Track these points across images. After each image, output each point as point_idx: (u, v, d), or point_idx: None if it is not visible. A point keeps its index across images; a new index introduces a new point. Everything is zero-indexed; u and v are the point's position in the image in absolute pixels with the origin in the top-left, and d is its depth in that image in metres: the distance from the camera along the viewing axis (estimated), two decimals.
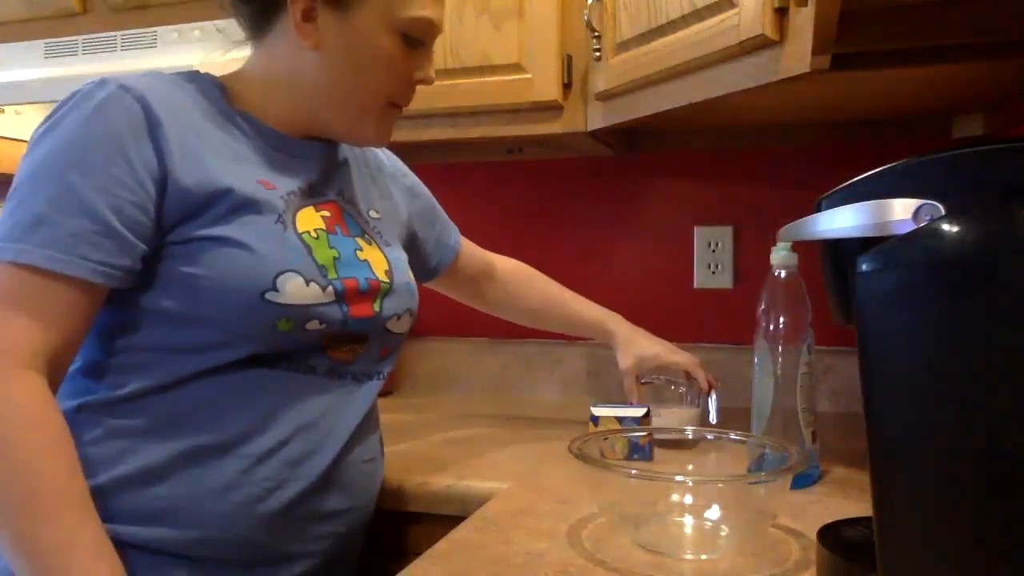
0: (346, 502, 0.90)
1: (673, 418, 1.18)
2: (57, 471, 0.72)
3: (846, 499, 0.93)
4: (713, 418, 1.21)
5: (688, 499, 0.81)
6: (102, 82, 0.80)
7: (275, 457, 0.83)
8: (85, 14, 1.55)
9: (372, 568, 1.05)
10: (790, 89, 0.97)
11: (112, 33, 1.51)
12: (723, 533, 0.79)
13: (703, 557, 0.77)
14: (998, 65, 0.98)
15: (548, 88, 1.28)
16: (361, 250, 0.92)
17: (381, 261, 0.94)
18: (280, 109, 0.90)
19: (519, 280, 1.32)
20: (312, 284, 0.83)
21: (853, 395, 1.45)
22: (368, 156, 1.07)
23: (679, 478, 0.82)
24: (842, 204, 0.57)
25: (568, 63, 1.29)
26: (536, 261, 1.66)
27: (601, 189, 1.62)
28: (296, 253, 0.83)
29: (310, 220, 0.88)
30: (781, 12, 0.89)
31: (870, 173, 0.57)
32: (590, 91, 1.28)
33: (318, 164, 0.93)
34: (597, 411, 1.14)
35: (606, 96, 1.24)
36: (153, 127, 0.79)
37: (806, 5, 0.84)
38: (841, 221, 0.57)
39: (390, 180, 1.10)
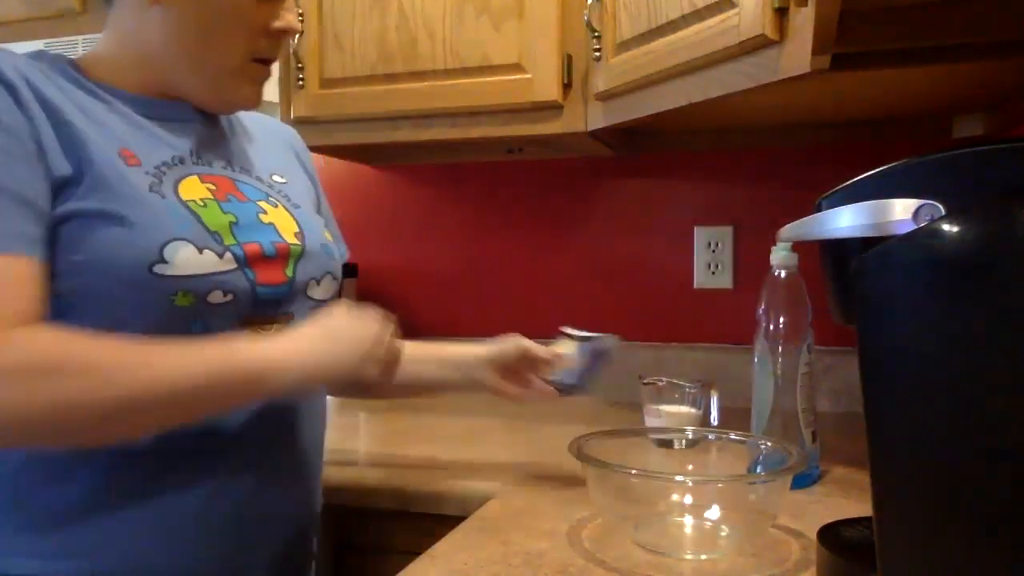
0: (293, 503, 0.86)
1: (673, 418, 1.18)
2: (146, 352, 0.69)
3: (846, 499, 0.93)
4: (713, 418, 1.21)
5: (688, 499, 0.81)
6: None
7: (222, 463, 0.78)
8: (85, 14, 1.55)
9: (372, 568, 1.05)
10: (790, 89, 0.97)
11: None
12: (723, 533, 0.79)
13: (703, 557, 0.77)
14: (998, 65, 0.98)
15: (548, 88, 1.28)
16: (264, 213, 0.84)
17: (289, 223, 0.86)
18: (135, 79, 0.82)
19: None
20: (206, 251, 0.75)
21: (853, 395, 1.45)
22: (269, 126, 1.01)
23: (679, 478, 0.82)
24: (842, 204, 0.57)
25: (568, 63, 1.29)
26: (536, 261, 1.66)
27: (601, 189, 1.62)
28: (181, 219, 0.76)
29: (194, 190, 0.80)
30: (781, 12, 0.89)
31: (870, 173, 0.57)
32: (590, 91, 1.28)
33: (195, 131, 0.86)
34: (567, 329, 1.06)
35: (606, 96, 1.24)
36: (11, 89, 0.72)
37: (806, 5, 0.84)
38: (841, 221, 0.57)
39: (297, 155, 1.03)
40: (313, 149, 1.53)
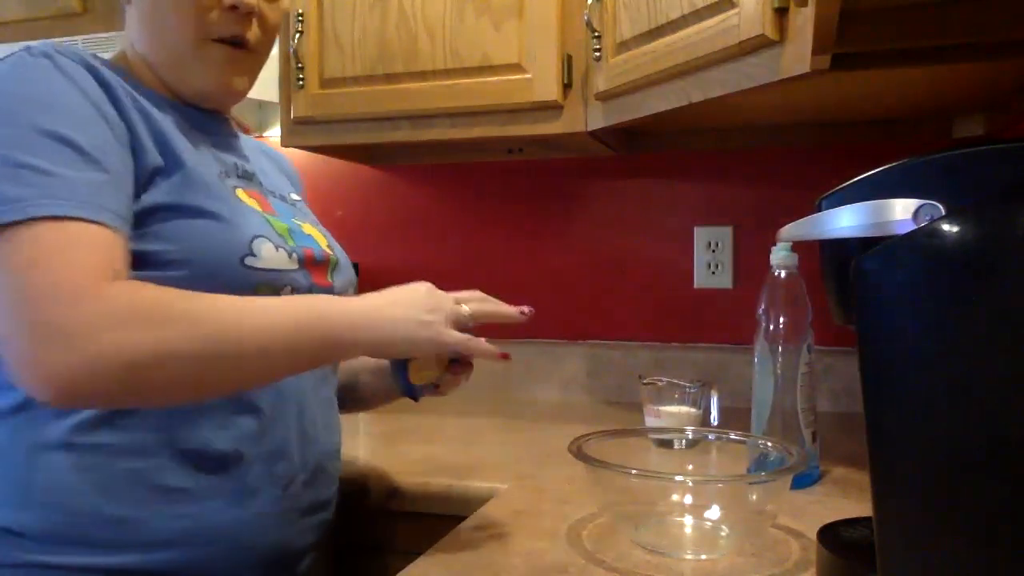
0: (329, 486, 0.90)
1: (673, 418, 1.18)
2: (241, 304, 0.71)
3: (846, 499, 0.93)
4: (713, 418, 1.21)
5: (688, 499, 0.81)
6: (27, 49, 0.75)
7: (283, 455, 0.81)
8: (85, 14, 1.55)
9: (372, 568, 1.05)
10: (790, 89, 0.97)
11: (112, 33, 1.51)
12: (723, 533, 0.79)
13: (703, 557, 0.77)
14: (998, 65, 0.98)
15: (548, 88, 1.28)
16: (301, 227, 0.91)
17: (320, 236, 0.93)
18: (153, 83, 0.86)
19: None
20: (280, 250, 0.81)
21: (853, 395, 1.45)
22: (269, 150, 1.08)
23: (679, 478, 0.82)
24: (842, 204, 0.57)
25: (568, 63, 1.29)
26: (536, 261, 1.66)
27: (601, 189, 1.62)
28: (260, 220, 0.82)
29: (248, 202, 0.85)
30: (781, 12, 0.89)
31: (870, 173, 0.57)
32: (590, 91, 1.28)
33: (233, 146, 0.92)
34: None
35: (606, 96, 1.24)
36: (105, 86, 0.76)
37: (806, 5, 0.84)
38: (841, 221, 0.57)
39: (295, 183, 1.10)
40: (313, 149, 1.54)
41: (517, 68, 1.30)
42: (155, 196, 0.76)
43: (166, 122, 0.80)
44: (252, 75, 0.91)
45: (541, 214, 1.66)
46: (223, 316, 0.69)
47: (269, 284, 0.79)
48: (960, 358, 0.50)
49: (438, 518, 0.99)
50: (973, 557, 0.50)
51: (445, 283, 1.60)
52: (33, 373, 0.64)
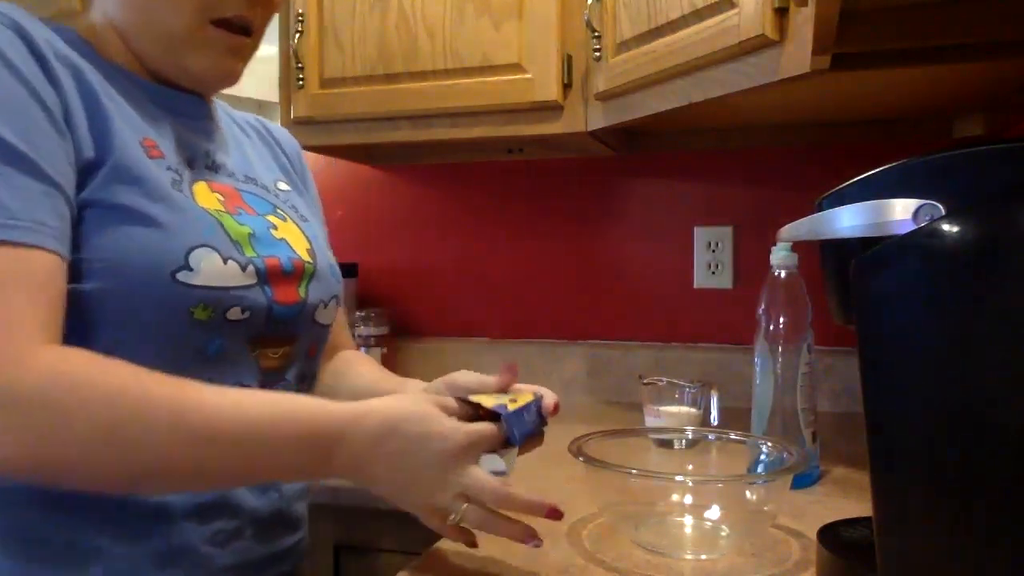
0: (291, 537, 0.80)
1: (673, 418, 1.18)
2: (198, 399, 0.60)
3: (846, 499, 0.93)
4: (713, 418, 1.21)
5: (688, 499, 0.81)
6: None
7: (218, 507, 0.70)
8: (86, 13, 1.55)
9: (372, 568, 1.05)
10: (790, 89, 0.97)
11: None
12: (723, 533, 0.79)
13: (703, 557, 0.77)
14: (998, 65, 0.98)
15: (548, 88, 1.28)
16: (275, 228, 0.77)
17: (300, 238, 0.80)
18: (123, 56, 0.74)
19: (344, 362, 0.97)
20: (231, 262, 0.68)
21: (853, 395, 1.45)
22: (268, 128, 0.95)
23: (679, 478, 0.82)
24: (842, 204, 0.57)
25: (568, 63, 1.29)
26: (535, 261, 1.66)
27: (601, 189, 1.62)
28: (207, 224, 0.68)
29: (206, 198, 0.72)
30: (781, 12, 0.89)
31: (870, 173, 0.57)
32: (590, 91, 1.28)
33: (205, 130, 0.79)
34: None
35: (606, 96, 1.24)
36: (42, 60, 0.64)
37: (806, 5, 0.84)
38: (841, 221, 0.57)
39: (295, 163, 0.96)
40: (313, 149, 1.54)
41: (517, 68, 1.30)
42: (83, 191, 0.64)
43: (115, 103, 0.69)
44: (249, 60, 0.79)
45: (541, 214, 1.66)
46: (170, 447, 0.57)
47: (209, 304, 0.66)
48: (960, 358, 0.50)
49: None
50: (973, 557, 0.50)
51: (445, 283, 1.60)
52: None
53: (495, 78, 1.30)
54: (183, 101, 0.77)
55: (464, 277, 1.70)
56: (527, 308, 1.68)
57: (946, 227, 0.50)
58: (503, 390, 0.75)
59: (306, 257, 0.78)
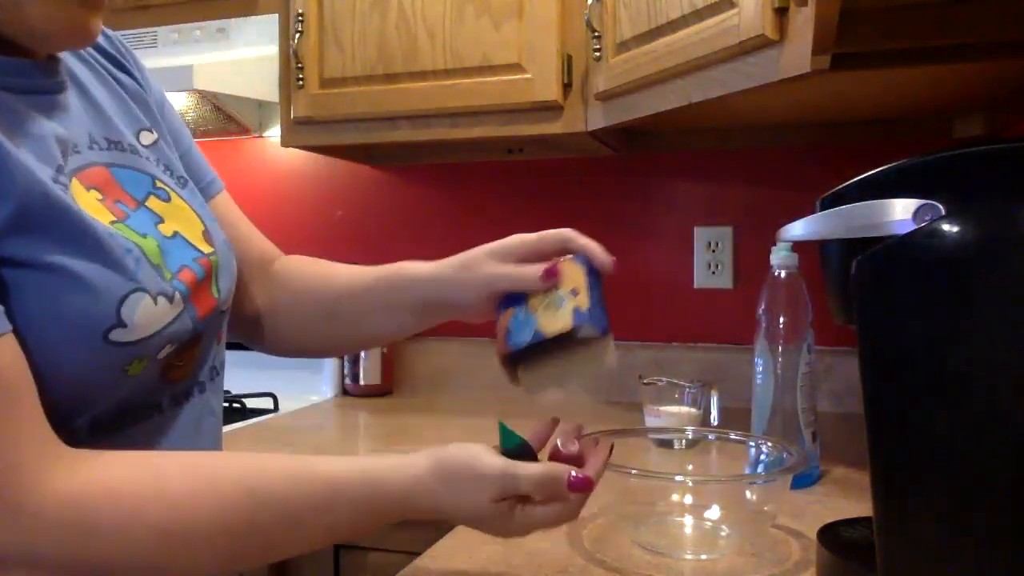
0: None
1: (673, 418, 1.18)
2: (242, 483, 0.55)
3: (846, 499, 0.93)
4: (713, 418, 1.21)
5: (688, 499, 0.81)
6: None
7: None
8: None
9: (372, 568, 1.05)
10: (790, 89, 0.97)
11: (112, 33, 1.51)
12: (723, 533, 0.79)
13: (703, 557, 0.77)
14: (998, 65, 0.98)
15: (548, 88, 1.28)
16: (163, 221, 0.62)
17: (192, 221, 0.66)
18: None
19: (304, 266, 0.87)
20: (160, 298, 0.57)
21: (853, 395, 1.45)
22: (104, 54, 0.72)
23: (679, 478, 0.82)
24: (842, 204, 0.57)
25: (568, 63, 1.29)
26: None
27: (601, 189, 1.62)
28: (130, 255, 0.56)
29: (86, 201, 0.57)
30: (781, 12, 0.89)
31: (870, 173, 0.57)
32: (590, 91, 1.28)
33: (53, 103, 0.60)
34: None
35: (606, 96, 1.24)
36: None
37: (806, 5, 0.84)
38: (841, 221, 0.57)
39: (125, 69, 0.74)
40: (313, 149, 1.54)
41: (517, 68, 1.30)
42: None
43: None
44: (102, 13, 0.60)
45: (541, 214, 1.66)
46: (198, 559, 0.54)
47: (144, 356, 0.57)
48: (960, 358, 0.50)
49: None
50: (974, 556, 0.50)
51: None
52: None
53: (495, 78, 1.30)
54: (27, 73, 0.59)
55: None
56: None
57: (946, 227, 0.50)
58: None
59: (206, 247, 0.65)
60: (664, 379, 1.21)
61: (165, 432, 0.63)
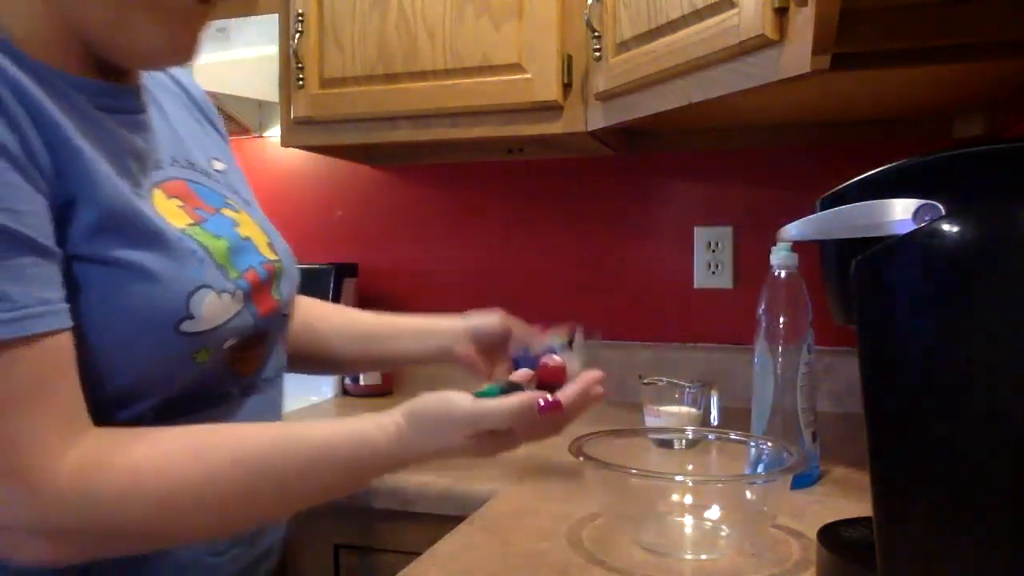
0: (276, 532, 0.80)
1: (673, 418, 1.18)
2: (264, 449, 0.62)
3: (846, 499, 0.93)
4: (713, 418, 1.21)
5: (688, 499, 0.81)
6: None
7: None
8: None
9: (372, 568, 1.05)
10: (790, 89, 0.97)
11: None
12: (723, 533, 0.79)
13: (703, 557, 0.77)
14: (998, 65, 0.98)
15: (548, 88, 1.28)
16: (238, 226, 0.72)
17: (258, 232, 0.75)
18: (39, 29, 0.61)
19: (315, 307, 0.99)
20: (224, 295, 0.65)
21: (853, 395, 1.45)
22: (169, 84, 0.81)
23: (679, 478, 0.82)
24: (842, 204, 0.57)
25: (568, 63, 1.29)
26: (535, 261, 1.66)
27: (601, 189, 1.62)
28: (198, 258, 0.64)
29: (167, 208, 0.66)
30: (781, 12, 0.89)
31: (870, 173, 0.57)
32: (590, 91, 1.28)
33: (139, 123, 0.69)
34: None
35: (606, 96, 1.24)
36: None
37: (806, 5, 0.84)
38: (841, 221, 0.57)
39: (208, 117, 0.85)
40: (313, 149, 1.54)
41: (517, 68, 1.30)
42: (67, 246, 0.58)
43: (66, 120, 0.59)
44: (202, 36, 0.67)
45: (541, 214, 1.66)
46: (201, 520, 0.61)
47: (208, 348, 0.64)
48: (960, 358, 0.50)
49: (438, 518, 0.99)
50: (973, 556, 0.50)
51: (445, 283, 1.60)
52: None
53: (495, 78, 1.30)
54: (116, 93, 0.67)
55: (464, 277, 1.70)
56: (527, 308, 1.67)
57: (946, 227, 0.50)
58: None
59: (271, 255, 0.74)
60: (664, 379, 1.21)
61: (229, 421, 0.69)
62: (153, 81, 0.76)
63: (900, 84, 1.11)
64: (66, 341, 0.57)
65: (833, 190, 0.60)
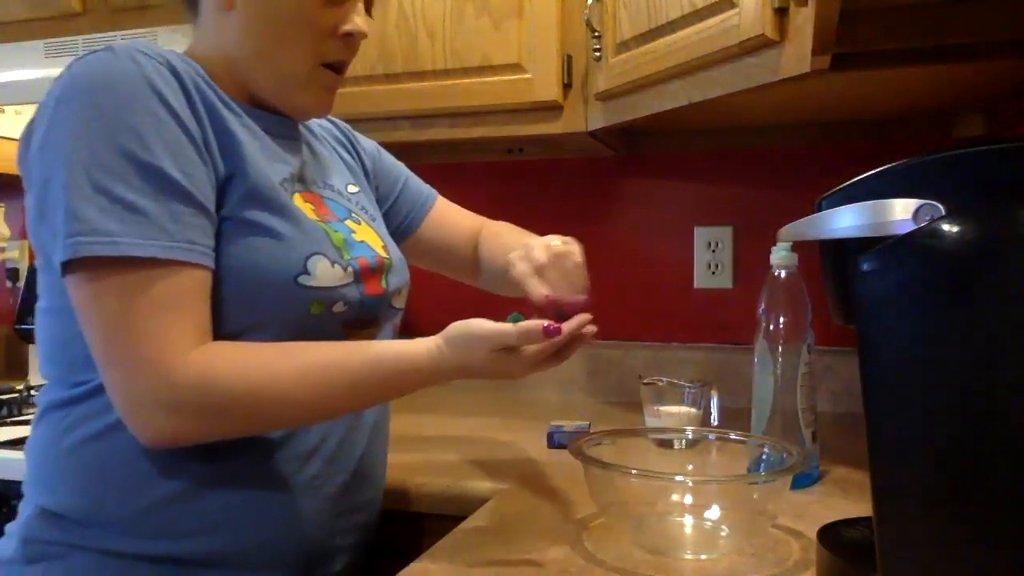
0: (371, 491, 0.93)
1: (673, 418, 1.18)
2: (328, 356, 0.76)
3: (846, 499, 0.93)
4: (713, 418, 1.20)
5: (688, 499, 0.81)
6: (110, 49, 0.75)
7: (318, 454, 0.84)
8: (85, 14, 1.55)
9: (372, 568, 1.05)
10: (790, 89, 0.97)
11: (112, 33, 1.51)
12: (723, 533, 0.79)
13: (703, 557, 0.77)
14: (998, 65, 0.98)
15: (548, 88, 1.28)
16: (355, 233, 0.90)
17: (375, 238, 0.93)
18: (231, 86, 0.84)
19: (490, 235, 1.20)
20: (336, 266, 0.82)
21: (853, 395, 1.45)
22: (324, 128, 1.05)
23: (679, 478, 0.82)
24: (842, 204, 0.57)
25: (568, 63, 1.29)
26: None
27: (601, 189, 1.62)
28: (319, 235, 0.83)
29: (303, 208, 0.85)
30: (781, 12, 0.89)
31: (870, 173, 0.57)
32: (590, 91, 1.28)
33: (297, 148, 0.91)
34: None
35: (606, 96, 1.24)
36: (186, 94, 0.76)
37: (806, 5, 0.84)
38: (841, 221, 0.57)
39: (350, 150, 1.08)
40: None
41: (517, 68, 1.30)
42: (222, 211, 0.77)
43: (236, 126, 0.80)
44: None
45: (541, 214, 1.66)
46: (287, 407, 0.75)
47: (321, 301, 0.81)
48: (960, 358, 0.50)
49: (438, 518, 0.99)
50: (973, 557, 0.50)
51: (445, 283, 1.60)
52: (123, 413, 0.73)
53: (495, 78, 1.30)
54: (278, 123, 0.88)
55: None
56: (527, 307, 1.67)
57: (946, 227, 0.50)
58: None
59: (384, 253, 0.92)
60: (664, 379, 1.21)
61: None
62: (313, 129, 1.00)
63: (900, 84, 1.11)
64: (205, 276, 0.75)
65: (833, 190, 0.60)
